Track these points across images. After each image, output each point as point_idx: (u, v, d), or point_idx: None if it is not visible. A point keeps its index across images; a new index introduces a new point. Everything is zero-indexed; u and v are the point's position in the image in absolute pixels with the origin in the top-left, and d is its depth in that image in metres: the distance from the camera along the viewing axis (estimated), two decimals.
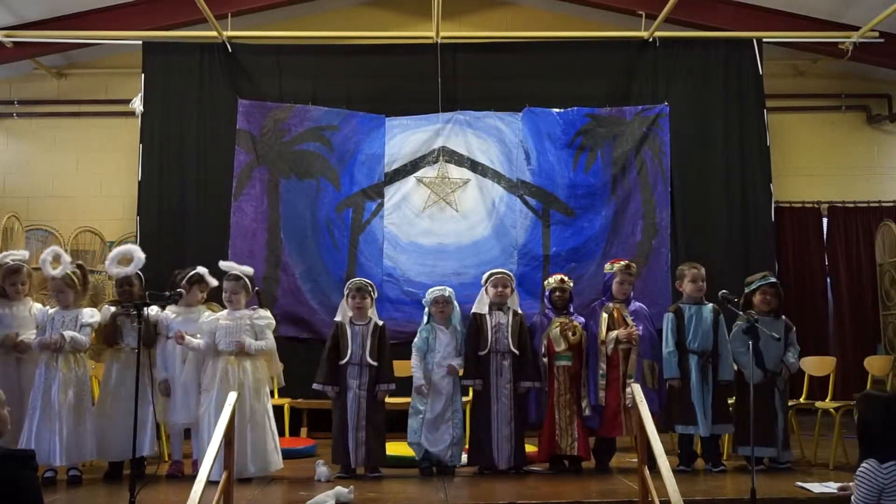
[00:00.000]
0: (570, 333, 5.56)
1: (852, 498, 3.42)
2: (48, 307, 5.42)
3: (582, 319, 5.72)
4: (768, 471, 5.42)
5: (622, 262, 5.76)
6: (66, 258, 5.39)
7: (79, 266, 5.50)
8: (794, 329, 5.72)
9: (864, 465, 3.38)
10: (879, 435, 3.39)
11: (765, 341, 5.26)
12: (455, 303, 5.67)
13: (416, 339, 5.63)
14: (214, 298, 5.84)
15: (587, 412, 5.49)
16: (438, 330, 5.61)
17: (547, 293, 5.80)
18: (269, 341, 5.44)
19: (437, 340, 5.58)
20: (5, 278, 5.42)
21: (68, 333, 5.19)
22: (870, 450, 3.41)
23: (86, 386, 5.30)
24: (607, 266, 5.86)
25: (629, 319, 5.62)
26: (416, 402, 5.55)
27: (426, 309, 5.68)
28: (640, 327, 5.61)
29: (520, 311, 5.67)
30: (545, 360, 5.57)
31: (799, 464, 5.56)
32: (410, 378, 5.70)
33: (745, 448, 5.51)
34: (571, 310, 5.74)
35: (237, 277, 5.43)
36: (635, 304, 5.75)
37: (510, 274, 5.76)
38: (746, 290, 5.66)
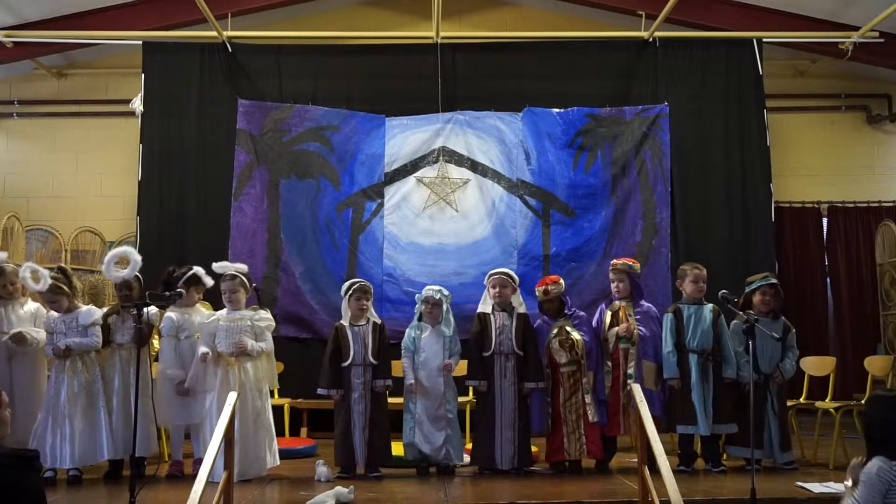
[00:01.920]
0: (570, 348, 5.54)
1: (855, 493, 3.41)
2: (51, 311, 5.42)
3: (583, 314, 5.72)
4: (769, 471, 5.42)
5: (612, 261, 5.84)
6: (44, 271, 5.38)
7: (60, 269, 5.51)
8: (794, 331, 5.72)
9: (870, 463, 3.38)
10: (888, 434, 3.40)
11: (761, 342, 5.28)
12: (447, 308, 5.64)
13: (404, 339, 5.64)
14: (211, 298, 5.84)
15: (594, 419, 5.47)
16: (425, 330, 5.62)
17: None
18: (269, 343, 5.44)
19: (423, 340, 5.59)
20: None
21: (73, 341, 5.22)
22: (878, 449, 3.41)
23: (96, 386, 5.30)
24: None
25: (632, 319, 5.62)
26: (407, 403, 5.55)
27: (417, 306, 5.69)
28: (644, 328, 5.61)
29: (524, 312, 5.67)
30: (548, 370, 5.57)
31: (799, 464, 5.56)
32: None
33: (732, 448, 5.57)
34: (568, 312, 5.70)
35: (234, 276, 5.43)
36: (645, 305, 5.76)
37: (510, 274, 5.72)
38: (747, 290, 5.67)
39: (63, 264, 5.80)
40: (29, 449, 2.73)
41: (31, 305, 5.53)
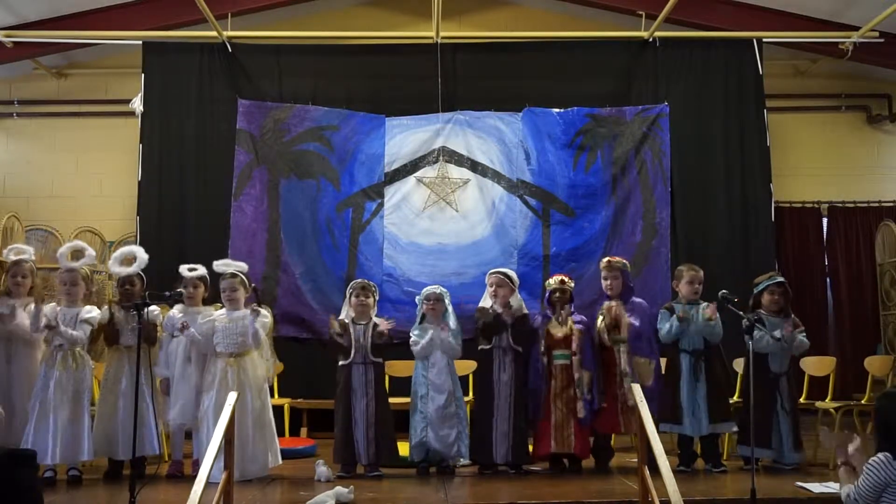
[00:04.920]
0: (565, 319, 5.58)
1: (857, 482, 3.42)
2: (53, 304, 5.42)
3: (580, 317, 5.72)
4: (769, 471, 5.42)
5: (604, 260, 5.85)
6: (91, 251, 5.44)
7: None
8: (802, 328, 5.70)
9: (876, 456, 3.39)
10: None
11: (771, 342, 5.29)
12: (448, 302, 5.67)
13: (411, 343, 5.62)
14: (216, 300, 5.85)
15: (581, 414, 5.49)
16: (429, 328, 5.62)
17: (547, 293, 5.80)
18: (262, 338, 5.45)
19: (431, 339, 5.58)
20: (7, 271, 5.47)
21: (64, 330, 5.21)
22: (886, 445, 3.43)
23: (84, 385, 5.30)
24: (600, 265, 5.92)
25: (623, 312, 5.62)
26: (416, 403, 5.56)
27: (419, 308, 5.70)
28: (633, 320, 5.60)
29: (524, 312, 5.68)
30: (545, 358, 5.58)
31: (799, 464, 5.56)
32: (410, 379, 5.71)
33: (742, 447, 5.56)
34: (572, 310, 5.73)
35: (233, 275, 5.44)
36: (636, 300, 5.77)
37: (509, 274, 5.75)
38: (755, 291, 5.66)
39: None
40: (24, 448, 2.72)
41: (30, 306, 5.52)
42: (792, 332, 5.51)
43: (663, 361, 5.71)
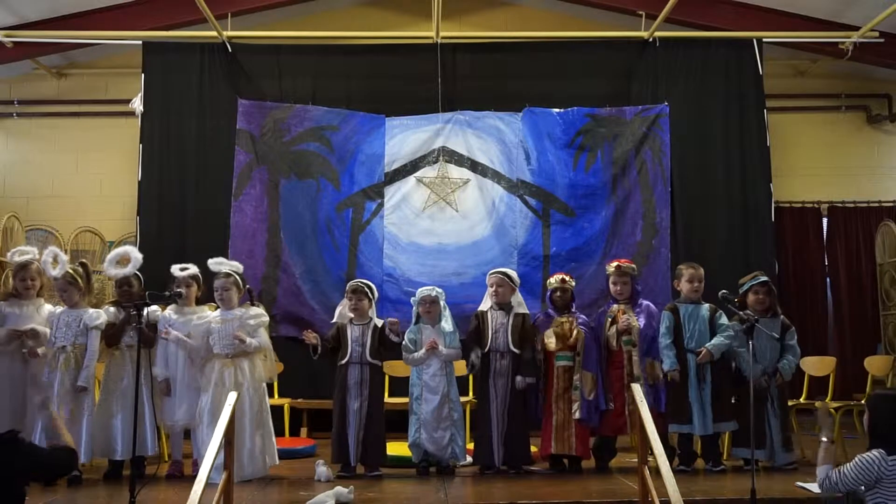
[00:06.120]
0: (566, 334, 5.55)
1: (844, 468, 3.44)
2: (56, 307, 5.43)
3: (584, 318, 5.72)
4: (768, 471, 5.42)
5: (613, 264, 5.81)
6: (64, 257, 5.41)
7: (82, 264, 5.56)
8: (793, 329, 5.70)
9: (870, 452, 3.41)
10: (888, 430, 3.43)
11: (759, 343, 5.27)
12: (443, 304, 5.66)
13: (403, 342, 5.61)
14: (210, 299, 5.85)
15: (577, 415, 5.47)
16: (424, 329, 5.61)
17: (549, 293, 5.80)
18: (263, 339, 5.42)
19: (424, 339, 5.57)
20: (15, 275, 5.46)
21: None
22: (879, 443, 3.44)
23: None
24: (606, 268, 5.90)
25: (632, 317, 5.61)
26: (412, 404, 5.56)
27: (414, 309, 5.70)
28: (642, 321, 5.61)
29: (522, 312, 5.66)
30: (541, 357, 5.57)
31: (799, 464, 5.56)
32: (409, 379, 5.71)
33: (738, 450, 5.57)
34: (573, 309, 5.73)
35: (227, 274, 5.42)
36: (644, 303, 5.76)
37: (509, 274, 5.73)
38: (740, 292, 5.65)
39: (84, 260, 5.81)
40: (7, 431, 2.72)
41: (46, 307, 5.51)
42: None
43: None
